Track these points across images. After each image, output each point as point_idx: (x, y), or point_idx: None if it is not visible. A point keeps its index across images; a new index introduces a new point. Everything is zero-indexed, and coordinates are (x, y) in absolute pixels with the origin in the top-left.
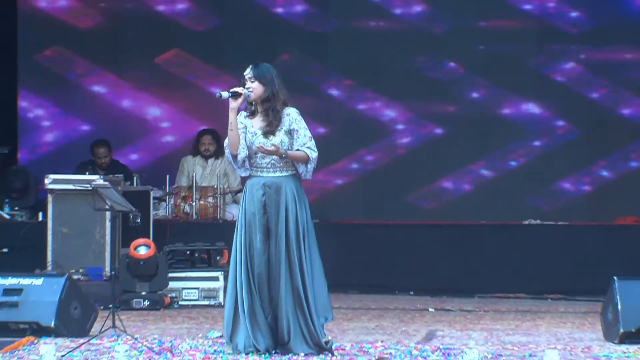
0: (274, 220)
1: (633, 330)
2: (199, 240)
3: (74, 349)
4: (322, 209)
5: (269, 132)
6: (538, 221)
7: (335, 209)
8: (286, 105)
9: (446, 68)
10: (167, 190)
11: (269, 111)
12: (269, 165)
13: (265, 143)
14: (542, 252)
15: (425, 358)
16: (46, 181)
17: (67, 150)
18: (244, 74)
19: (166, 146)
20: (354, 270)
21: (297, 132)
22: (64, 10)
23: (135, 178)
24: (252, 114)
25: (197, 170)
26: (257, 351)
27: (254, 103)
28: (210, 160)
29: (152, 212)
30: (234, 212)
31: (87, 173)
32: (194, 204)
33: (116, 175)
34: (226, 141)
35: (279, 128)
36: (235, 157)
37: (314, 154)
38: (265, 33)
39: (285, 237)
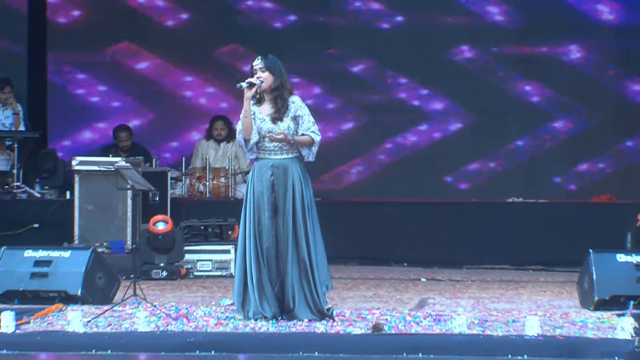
0: (281, 199)
1: (607, 298)
2: (212, 216)
3: (98, 315)
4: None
5: (277, 118)
6: (520, 199)
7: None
8: (291, 94)
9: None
10: (183, 171)
11: (277, 99)
12: (277, 149)
13: (273, 129)
14: (525, 227)
15: (418, 323)
16: (73, 163)
17: (92, 135)
18: (254, 64)
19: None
20: (353, 243)
21: (302, 117)
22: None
23: (154, 160)
24: (258, 102)
25: (210, 153)
26: (265, 318)
27: (260, 92)
28: (222, 144)
29: (169, 191)
30: (244, 190)
31: (110, 155)
32: (207, 183)
33: (137, 157)
34: (239, 126)
35: (286, 114)
36: (247, 141)
37: (317, 137)
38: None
39: (292, 214)
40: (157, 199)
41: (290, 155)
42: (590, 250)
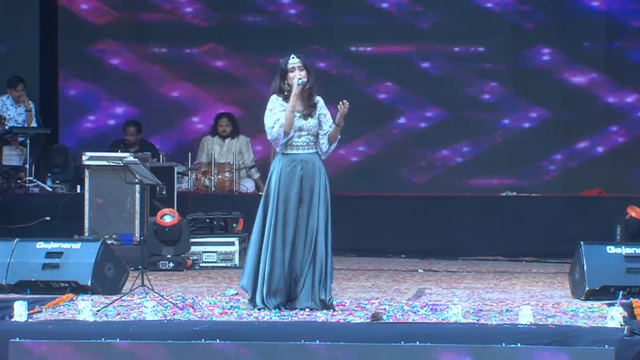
0: (308, 192)
1: (597, 288)
2: (217, 209)
3: (108, 305)
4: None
5: (308, 114)
6: (514, 193)
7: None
8: (316, 94)
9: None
10: (189, 166)
11: (310, 97)
12: (304, 144)
13: (304, 124)
14: (518, 220)
15: (415, 313)
16: (83, 158)
17: (102, 131)
18: (291, 62)
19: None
20: (353, 236)
21: (325, 116)
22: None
23: (161, 155)
24: (286, 98)
25: (215, 149)
26: (276, 307)
27: (289, 88)
28: (227, 140)
29: (176, 185)
30: (247, 185)
31: (119, 151)
32: (212, 178)
33: (145, 152)
34: (279, 121)
35: (315, 112)
36: (287, 135)
37: (339, 137)
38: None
39: (318, 207)
40: (164, 192)
41: (314, 151)
42: (581, 242)
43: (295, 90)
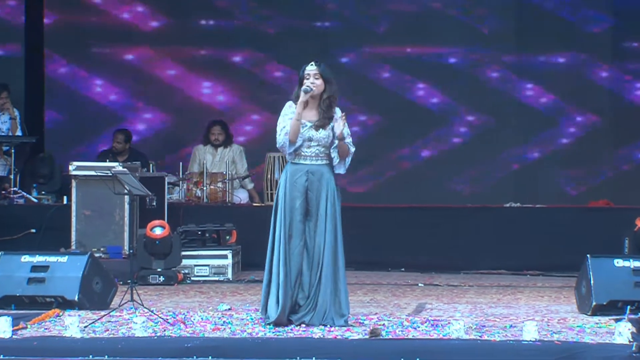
0: (314, 204)
1: (604, 303)
2: (209, 221)
3: (95, 321)
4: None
5: (320, 126)
6: (518, 204)
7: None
8: (336, 105)
9: None
10: (181, 176)
11: (329, 108)
12: (313, 155)
13: (314, 135)
14: (522, 232)
15: (415, 329)
16: (70, 168)
17: (90, 139)
18: (307, 69)
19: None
20: (350, 248)
21: (337, 126)
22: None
23: (151, 165)
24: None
25: (207, 158)
26: (290, 322)
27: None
28: (220, 149)
29: (166, 196)
30: (241, 196)
31: (107, 160)
32: (204, 188)
33: (134, 162)
34: (285, 128)
35: (330, 124)
36: (293, 144)
37: (352, 149)
38: None
39: (325, 220)
40: (154, 204)
41: (324, 162)
42: (588, 255)
43: (301, 97)
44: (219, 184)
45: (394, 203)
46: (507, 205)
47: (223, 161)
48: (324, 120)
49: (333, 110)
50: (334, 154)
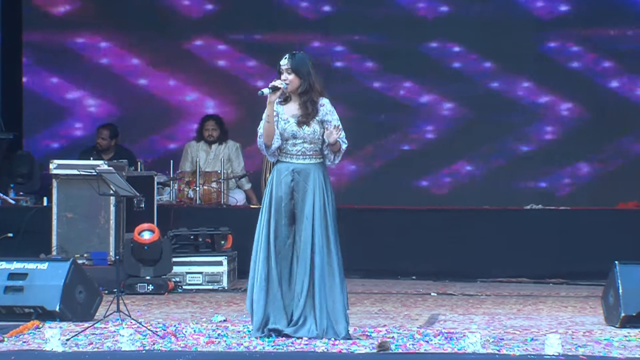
0: (300, 206)
1: (634, 314)
2: (202, 225)
3: (78, 333)
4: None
5: (303, 122)
6: (540, 206)
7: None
8: (322, 96)
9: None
10: (171, 176)
11: (307, 103)
12: (299, 153)
13: (297, 132)
14: (544, 236)
15: (427, 342)
16: (51, 166)
17: (72, 137)
18: (280, 63)
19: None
20: (356, 254)
21: (330, 123)
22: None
23: (139, 163)
24: (284, 100)
25: (200, 156)
26: (275, 332)
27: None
28: (214, 146)
29: (156, 197)
30: (237, 197)
31: (91, 158)
32: (197, 189)
33: (120, 160)
34: (259, 130)
35: (314, 119)
36: (268, 147)
37: (344, 145)
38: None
39: (312, 222)
40: (143, 205)
41: (313, 161)
42: (616, 262)
43: (268, 97)
44: (213, 184)
45: (403, 204)
46: (528, 207)
47: (218, 159)
48: (306, 117)
49: (316, 104)
50: (326, 151)
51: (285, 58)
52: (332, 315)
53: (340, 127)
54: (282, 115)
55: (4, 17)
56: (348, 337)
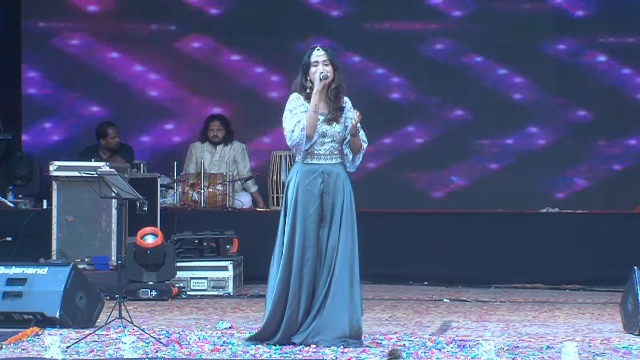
0: (329, 209)
1: None
2: (207, 228)
3: (79, 340)
4: None
5: (332, 119)
6: (556, 209)
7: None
8: (345, 95)
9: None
10: (175, 178)
11: (336, 98)
12: (327, 153)
13: (328, 130)
14: (560, 241)
15: (439, 350)
16: (51, 168)
17: (72, 137)
18: (314, 54)
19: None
20: (366, 259)
21: (352, 120)
22: None
23: (142, 165)
24: (308, 97)
25: (205, 157)
26: (293, 344)
27: (311, 85)
28: (220, 147)
29: (159, 200)
30: (243, 199)
31: (93, 160)
32: (202, 191)
33: (124, 156)
34: (300, 123)
35: (341, 116)
36: (310, 139)
37: (365, 145)
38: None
39: (339, 226)
40: (146, 208)
41: (338, 161)
42: (635, 267)
43: (317, 86)
44: (219, 186)
45: (416, 207)
46: (544, 210)
47: (223, 160)
48: (336, 112)
49: (342, 101)
50: (347, 150)
51: (319, 49)
52: (352, 325)
53: (360, 126)
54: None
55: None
56: (360, 343)
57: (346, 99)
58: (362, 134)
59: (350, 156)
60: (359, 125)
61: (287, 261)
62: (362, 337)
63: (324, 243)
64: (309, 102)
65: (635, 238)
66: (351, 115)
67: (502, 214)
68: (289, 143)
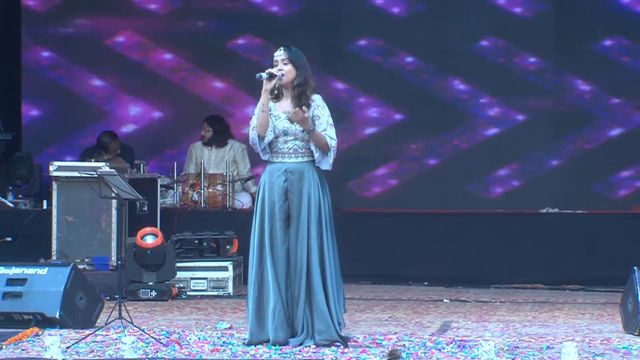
0: (295, 207)
1: None
2: (207, 229)
3: (79, 341)
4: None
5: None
6: (556, 210)
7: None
8: (314, 92)
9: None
10: (175, 178)
11: (301, 96)
12: (291, 151)
13: (289, 128)
14: (560, 241)
15: (439, 350)
16: (51, 168)
17: (73, 137)
18: (275, 54)
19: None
20: (366, 259)
21: (319, 118)
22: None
23: (142, 165)
24: (276, 97)
25: (205, 157)
26: (264, 343)
27: (279, 86)
28: (214, 148)
29: (159, 200)
30: (243, 200)
31: (93, 160)
32: (202, 191)
33: (125, 157)
34: (253, 122)
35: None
36: (261, 139)
37: (333, 142)
38: None
39: (307, 225)
40: (146, 209)
41: (306, 159)
42: (635, 268)
43: (264, 85)
44: (219, 187)
45: (415, 208)
46: (544, 210)
47: (223, 161)
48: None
49: (309, 99)
50: (313, 148)
51: (280, 50)
52: (328, 319)
53: (330, 123)
54: (274, 112)
55: (4, 16)
56: (342, 341)
57: (316, 96)
58: (330, 132)
59: (317, 154)
60: (318, 122)
61: (259, 259)
62: (345, 334)
63: (293, 242)
64: (273, 102)
65: (635, 238)
66: (318, 113)
67: (502, 214)
68: (250, 142)
